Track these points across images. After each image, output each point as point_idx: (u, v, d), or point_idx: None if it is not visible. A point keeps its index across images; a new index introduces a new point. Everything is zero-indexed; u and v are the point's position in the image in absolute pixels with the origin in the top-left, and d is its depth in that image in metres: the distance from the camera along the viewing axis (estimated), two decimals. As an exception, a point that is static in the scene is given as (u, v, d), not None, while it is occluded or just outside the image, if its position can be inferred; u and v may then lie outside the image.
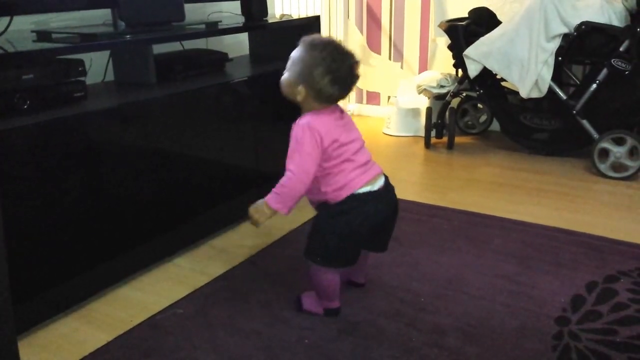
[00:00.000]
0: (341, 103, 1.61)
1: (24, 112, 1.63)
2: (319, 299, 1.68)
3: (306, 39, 1.52)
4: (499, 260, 1.98)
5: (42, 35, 1.87)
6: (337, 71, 1.48)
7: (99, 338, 1.60)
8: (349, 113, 1.67)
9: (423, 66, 3.76)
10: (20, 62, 1.64)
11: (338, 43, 1.52)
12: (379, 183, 1.58)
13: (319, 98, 1.51)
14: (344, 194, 1.54)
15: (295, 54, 1.53)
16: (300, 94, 1.52)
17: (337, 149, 1.52)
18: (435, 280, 1.86)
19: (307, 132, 1.49)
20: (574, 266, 1.92)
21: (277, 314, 1.69)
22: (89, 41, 1.81)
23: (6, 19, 1.85)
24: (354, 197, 1.54)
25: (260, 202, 1.56)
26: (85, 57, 1.87)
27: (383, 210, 1.58)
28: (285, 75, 1.55)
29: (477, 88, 3.11)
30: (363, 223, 1.54)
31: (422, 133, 3.37)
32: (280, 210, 1.54)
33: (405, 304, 1.73)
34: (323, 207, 1.59)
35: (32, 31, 1.92)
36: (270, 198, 1.54)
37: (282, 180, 1.53)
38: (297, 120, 1.54)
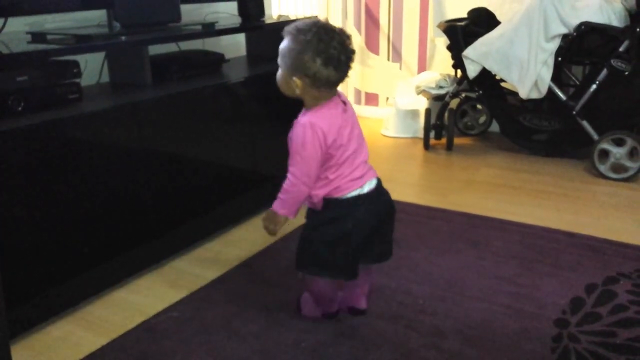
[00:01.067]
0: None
1: (19, 114, 1.62)
2: (317, 304, 1.65)
3: (288, 27, 1.43)
4: (499, 262, 1.96)
5: (37, 36, 1.86)
6: (327, 50, 1.37)
7: (94, 342, 1.59)
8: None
9: (422, 67, 3.74)
10: (15, 63, 1.63)
11: (323, 22, 1.42)
12: (369, 186, 1.50)
13: (317, 84, 1.41)
14: (334, 198, 1.48)
15: (282, 45, 1.44)
16: (297, 85, 1.43)
17: (338, 148, 1.45)
18: (435, 282, 1.84)
19: (309, 131, 1.41)
20: (574, 268, 1.91)
21: (274, 316, 1.67)
22: (84, 42, 1.80)
23: (1, 20, 1.84)
24: (343, 202, 1.48)
25: (269, 211, 1.52)
26: (80, 58, 1.85)
27: (374, 214, 1.50)
28: (279, 72, 1.48)
29: (476, 89, 3.10)
30: (354, 228, 1.47)
31: (421, 134, 3.36)
32: (287, 215, 1.50)
33: (404, 306, 1.71)
34: (312, 214, 1.54)
35: (27, 32, 1.91)
36: (276, 204, 1.50)
37: (285, 184, 1.47)
38: (298, 118, 1.47)
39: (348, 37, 1.43)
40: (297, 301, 1.70)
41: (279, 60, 1.46)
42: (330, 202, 1.49)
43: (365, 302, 1.68)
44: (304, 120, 1.44)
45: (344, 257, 1.49)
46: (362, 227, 1.48)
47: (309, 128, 1.41)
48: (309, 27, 1.39)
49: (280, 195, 1.49)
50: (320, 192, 1.48)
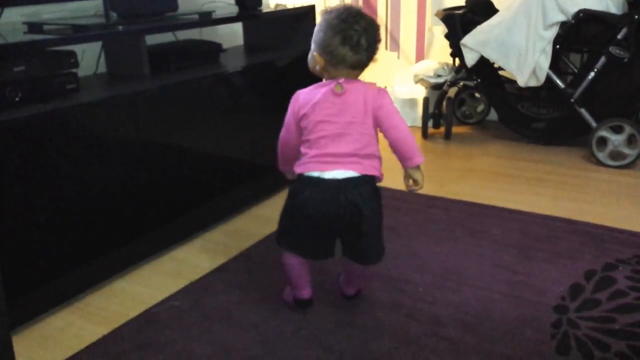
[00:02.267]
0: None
1: (16, 105, 1.61)
2: (291, 290, 1.65)
3: (323, 9, 1.51)
4: (498, 250, 1.96)
5: (34, 27, 1.84)
6: (347, 30, 1.42)
7: (95, 332, 1.59)
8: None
9: (420, 56, 3.73)
10: (12, 54, 1.62)
11: (355, 8, 1.47)
12: (338, 175, 1.44)
13: (334, 62, 1.46)
14: (297, 172, 1.50)
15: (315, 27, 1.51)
16: (318, 62, 1.49)
17: (309, 123, 1.46)
18: (434, 270, 1.85)
19: (292, 98, 1.52)
20: (573, 255, 1.91)
21: (274, 306, 1.68)
22: (80, 32, 1.79)
23: (-4, 11, 1.83)
24: (301, 179, 1.49)
25: None
26: (77, 48, 1.85)
27: (325, 202, 1.44)
28: (310, 53, 1.53)
29: (474, 77, 3.09)
30: (303, 208, 1.47)
31: (419, 123, 3.35)
32: (280, 168, 1.66)
33: (404, 294, 1.72)
34: None
35: (23, 23, 1.90)
36: None
37: None
38: None
39: (376, 26, 1.48)
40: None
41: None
42: (297, 177, 1.52)
43: (351, 291, 1.69)
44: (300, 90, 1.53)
45: (300, 237, 1.53)
46: (309, 210, 1.46)
47: (294, 96, 1.52)
48: (338, 9, 1.46)
49: None
50: (295, 164, 1.54)
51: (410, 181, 1.54)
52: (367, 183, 1.48)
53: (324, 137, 1.46)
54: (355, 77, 1.51)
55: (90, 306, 1.73)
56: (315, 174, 1.46)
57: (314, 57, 1.50)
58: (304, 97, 1.49)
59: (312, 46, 1.51)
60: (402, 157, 1.53)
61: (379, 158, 1.51)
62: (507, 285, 1.74)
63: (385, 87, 3.85)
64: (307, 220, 1.48)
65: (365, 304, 1.67)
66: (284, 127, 1.55)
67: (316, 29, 1.49)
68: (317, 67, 1.50)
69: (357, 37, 1.43)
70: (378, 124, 1.50)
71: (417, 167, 1.52)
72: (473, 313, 1.62)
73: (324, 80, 1.52)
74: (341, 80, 1.47)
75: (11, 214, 1.53)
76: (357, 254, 1.55)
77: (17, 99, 1.61)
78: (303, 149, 1.49)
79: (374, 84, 1.51)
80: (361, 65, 1.49)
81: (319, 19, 1.50)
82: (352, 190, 1.45)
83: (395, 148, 1.53)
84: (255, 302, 1.70)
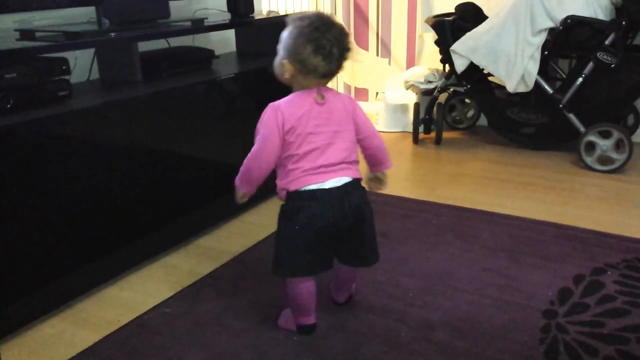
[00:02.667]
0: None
1: (7, 112, 1.61)
2: (292, 314, 1.59)
3: (292, 15, 1.45)
4: (488, 254, 1.98)
5: (26, 33, 1.85)
6: (319, 40, 1.38)
7: (87, 338, 1.59)
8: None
9: (411, 62, 3.76)
10: (3, 60, 1.62)
11: (325, 15, 1.43)
12: (336, 182, 1.43)
13: (305, 72, 1.41)
14: (290, 189, 1.44)
15: (283, 33, 1.45)
16: (287, 70, 1.43)
17: (298, 137, 1.41)
18: (424, 275, 1.86)
19: (270, 112, 1.43)
20: (562, 259, 1.93)
21: (266, 311, 1.69)
22: (73, 39, 1.79)
23: (-12, 18, 1.83)
24: (299, 195, 1.43)
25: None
26: (70, 55, 1.85)
27: (333, 212, 1.42)
28: (276, 58, 1.48)
29: (464, 83, 3.11)
30: (309, 224, 1.42)
31: (411, 129, 3.38)
32: (239, 188, 1.53)
33: (394, 299, 1.73)
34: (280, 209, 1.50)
35: (15, 30, 1.90)
36: (237, 176, 1.53)
37: (245, 159, 1.48)
38: None
39: (346, 34, 1.43)
40: (278, 314, 1.65)
41: (278, 45, 1.47)
42: (289, 195, 1.45)
43: (342, 298, 1.69)
44: (273, 102, 1.45)
45: (299, 253, 1.46)
46: (318, 224, 1.42)
47: (271, 109, 1.43)
48: (309, 16, 1.42)
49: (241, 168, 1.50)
50: (280, 183, 1.47)
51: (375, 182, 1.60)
52: (361, 186, 1.50)
53: (315, 149, 1.43)
54: (325, 85, 1.48)
55: (82, 313, 1.73)
56: (314, 186, 1.42)
57: (282, 65, 1.44)
58: (287, 110, 1.42)
59: (281, 53, 1.45)
60: (377, 163, 1.59)
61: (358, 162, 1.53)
62: (497, 290, 1.76)
63: (377, 93, 3.88)
64: (314, 235, 1.43)
65: (356, 309, 1.68)
66: (261, 143, 1.44)
67: (285, 35, 1.44)
68: (286, 75, 1.45)
69: (330, 47, 1.39)
70: (356, 132, 1.51)
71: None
72: (463, 317, 1.63)
73: (296, 89, 1.48)
74: (320, 90, 1.46)
75: (2, 220, 1.53)
76: (359, 257, 1.55)
77: (8, 106, 1.61)
78: (291, 165, 1.44)
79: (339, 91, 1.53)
80: (331, 75, 1.45)
81: (288, 25, 1.44)
82: (353, 194, 1.46)
83: (372, 155, 1.57)
84: (247, 308, 1.71)
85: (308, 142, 1.42)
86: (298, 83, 1.46)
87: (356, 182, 1.48)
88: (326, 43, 1.39)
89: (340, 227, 1.44)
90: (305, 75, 1.43)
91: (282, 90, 1.52)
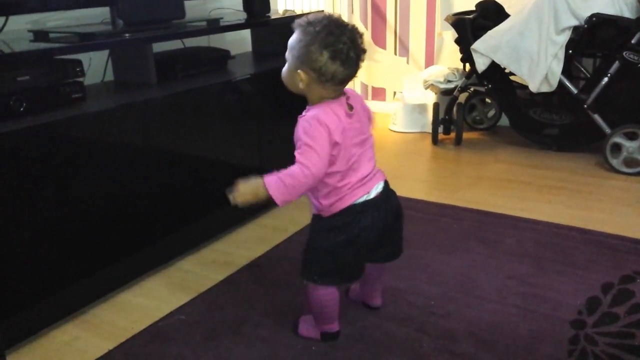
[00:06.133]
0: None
1: (21, 115, 1.58)
2: (316, 322, 1.56)
3: (299, 20, 1.35)
4: (511, 261, 1.92)
5: (39, 35, 1.82)
6: (335, 44, 1.29)
7: (100, 346, 1.56)
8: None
9: (429, 61, 3.70)
10: (16, 63, 1.60)
11: (335, 17, 1.34)
12: (376, 190, 1.43)
13: (323, 80, 1.33)
14: (339, 207, 1.40)
15: (291, 38, 1.36)
16: (302, 80, 1.34)
17: (340, 151, 1.35)
18: (446, 282, 1.80)
19: (316, 124, 1.31)
20: (589, 266, 1.87)
21: (283, 319, 1.64)
22: (87, 40, 1.76)
23: (2, 19, 1.81)
24: (349, 210, 1.40)
25: (255, 181, 1.34)
26: (83, 57, 1.82)
27: (381, 219, 1.43)
28: (285, 67, 1.39)
29: (485, 82, 3.05)
30: (360, 236, 1.41)
31: (429, 129, 3.32)
32: (278, 200, 1.33)
33: (415, 307, 1.68)
34: (317, 220, 1.46)
35: (29, 31, 1.88)
36: (272, 184, 1.32)
37: (294, 171, 1.32)
38: (303, 113, 1.37)
39: (360, 34, 1.35)
40: (294, 322, 1.61)
41: (287, 54, 1.38)
42: (339, 212, 1.41)
43: (379, 300, 1.69)
44: (309, 114, 1.35)
45: (347, 265, 1.45)
46: (368, 234, 1.42)
47: (316, 121, 1.32)
48: (320, 20, 1.32)
49: (283, 178, 1.32)
50: (325, 202, 1.41)
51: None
52: (389, 185, 1.50)
53: (355, 162, 1.39)
54: (342, 92, 1.40)
55: (96, 319, 1.70)
56: (362, 199, 1.41)
57: (296, 74, 1.35)
58: (332, 124, 1.33)
59: (292, 62, 1.36)
60: None
61: None
62: (522, 299, 1.70)
63: (395, 92, 3.82)
64: (365, 245, 1.43)
65: (375, 317, 1.64)
66: (315, 159, 1.31)
67: (295, 42, 1.34)
68: (301, 85, 1.36)
69: (347, 50, 1.31)
70: None
71: None
72: (486, 327, 1.57)
73: (313, 98, 1.38)
74: (351, 101, 1.39)
75: (16, 225, 1.50)
76: (392, 252, 1.56)
77: (21, 109, 1.58)
78: (337, 182, 1.38)
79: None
80: (349, 80, 1.37)
81: (297, 31, 1.35)
82: (390, 197, 1.48)
83: None
84: (264, 315, 1.67)
85: (349, 155, 1.38)
86: (315, 92, 1.37)
87: (387, 183, 1.49)
88: (343, 47, 1.30)
89: (385, 230, 1.46)
90: (323, 84, 1.34)
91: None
